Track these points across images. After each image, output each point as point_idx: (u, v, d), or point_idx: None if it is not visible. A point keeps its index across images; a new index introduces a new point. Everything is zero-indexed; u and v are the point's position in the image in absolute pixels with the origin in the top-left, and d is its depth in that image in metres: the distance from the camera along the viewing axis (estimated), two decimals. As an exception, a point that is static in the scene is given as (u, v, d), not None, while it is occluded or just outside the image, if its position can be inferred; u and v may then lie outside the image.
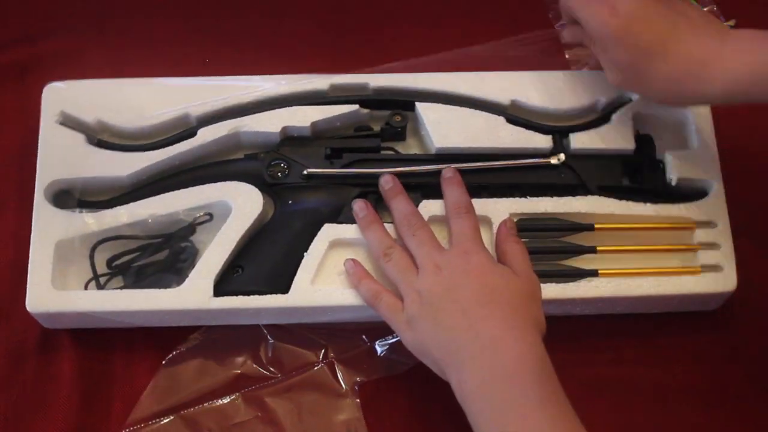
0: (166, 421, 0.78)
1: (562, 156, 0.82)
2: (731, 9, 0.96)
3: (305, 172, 0.81)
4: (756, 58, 0.70)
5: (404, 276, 0.74)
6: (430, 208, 0.80)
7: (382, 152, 0.84)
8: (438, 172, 0.81)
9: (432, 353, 0.70)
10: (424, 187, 0.82)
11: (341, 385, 0.79)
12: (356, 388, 0.79)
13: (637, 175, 0.83)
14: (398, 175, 0.81)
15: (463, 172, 0.81)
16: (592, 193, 0.82)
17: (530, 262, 0.75)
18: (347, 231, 0.79)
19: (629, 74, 0.76)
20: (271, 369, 0.80)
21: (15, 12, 0.96)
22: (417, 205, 0.80)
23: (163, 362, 0.80)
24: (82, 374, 0.80)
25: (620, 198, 0.81)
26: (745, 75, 0.70)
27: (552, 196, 0.81)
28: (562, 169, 0.82)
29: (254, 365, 0.80)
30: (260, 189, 0.80)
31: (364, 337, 0.81)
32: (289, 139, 0.83)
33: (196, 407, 0.79)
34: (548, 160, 0.82)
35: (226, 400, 0.79)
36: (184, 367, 0.80)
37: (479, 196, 0.81)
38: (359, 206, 0.79)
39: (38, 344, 0.81)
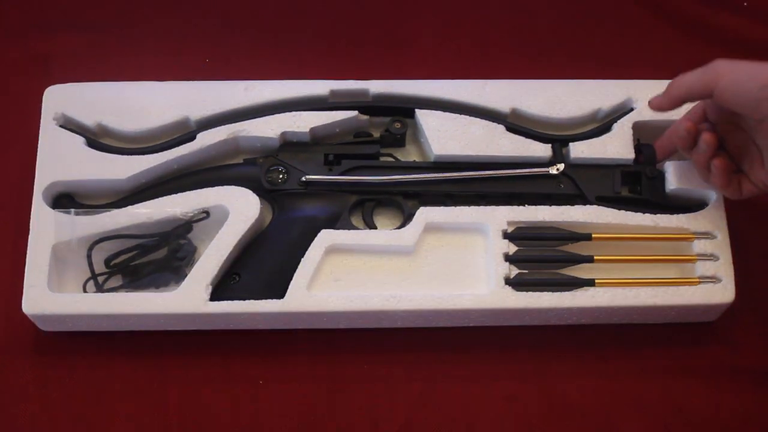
0: None
1: (561, 166, 0.82)
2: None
3: (303, 178, 0.81)
4: None
5: None
6: (428, 215, 0.80)
7: (381, 159, 0.84)
8: (436, 182, 0.81)
9: None
10: (423, 195, 0.82)
11: None
12: None
13: (636, 184, 0.83)
14: (397, 182, 0.81)
15: (461, 181, 0.81)
16: (591, 203, 0.81)
17: None
18: (344, 237, 0.79)
19: None
20: None
21: (15, 12, 0.96)
22: (414, 213, 0.80)
23: None
24: (80, 376, 0.80)
25: (619, 208, 0.81)
26: None
27: (550, 206, 0.81)
28: (561, 178, 0.82)
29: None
30: (258, 194, 0.80)
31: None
32: (288, 144, 0.83)
33: None
34: (547, 169, 0.82)
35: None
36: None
37: (477, 204, 0.81)
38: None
39: (35, 345, 0.81)
